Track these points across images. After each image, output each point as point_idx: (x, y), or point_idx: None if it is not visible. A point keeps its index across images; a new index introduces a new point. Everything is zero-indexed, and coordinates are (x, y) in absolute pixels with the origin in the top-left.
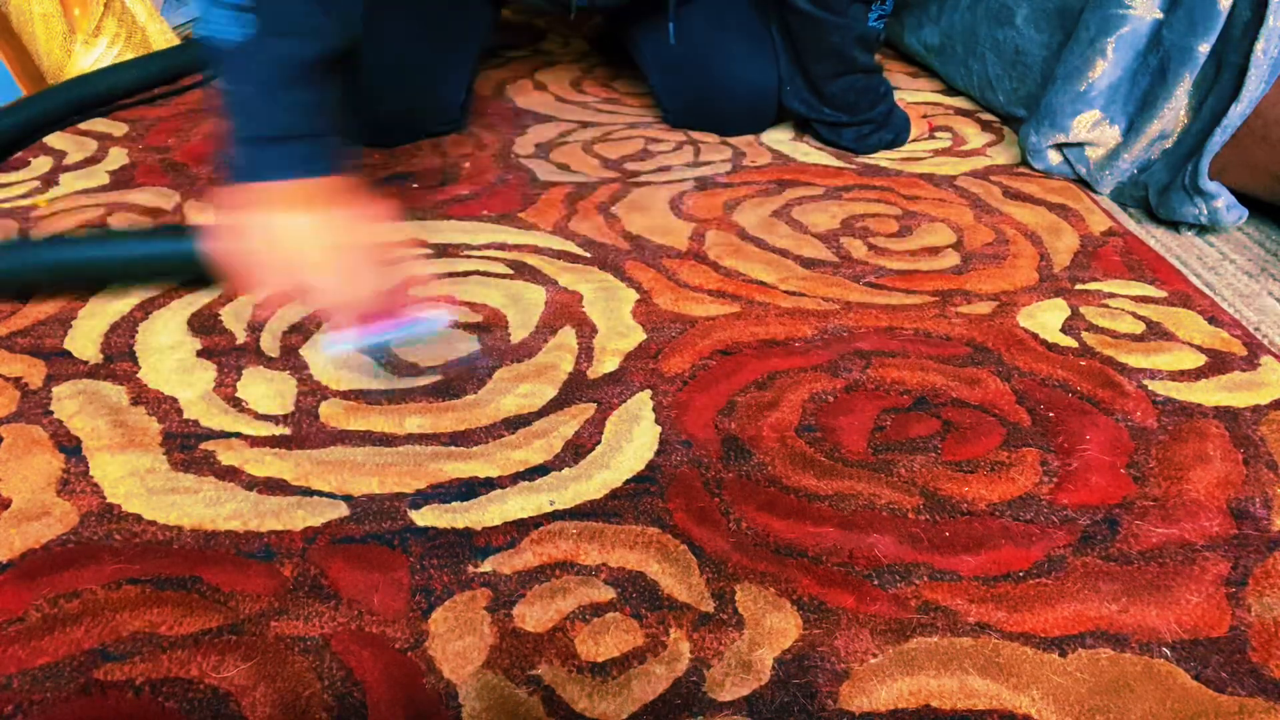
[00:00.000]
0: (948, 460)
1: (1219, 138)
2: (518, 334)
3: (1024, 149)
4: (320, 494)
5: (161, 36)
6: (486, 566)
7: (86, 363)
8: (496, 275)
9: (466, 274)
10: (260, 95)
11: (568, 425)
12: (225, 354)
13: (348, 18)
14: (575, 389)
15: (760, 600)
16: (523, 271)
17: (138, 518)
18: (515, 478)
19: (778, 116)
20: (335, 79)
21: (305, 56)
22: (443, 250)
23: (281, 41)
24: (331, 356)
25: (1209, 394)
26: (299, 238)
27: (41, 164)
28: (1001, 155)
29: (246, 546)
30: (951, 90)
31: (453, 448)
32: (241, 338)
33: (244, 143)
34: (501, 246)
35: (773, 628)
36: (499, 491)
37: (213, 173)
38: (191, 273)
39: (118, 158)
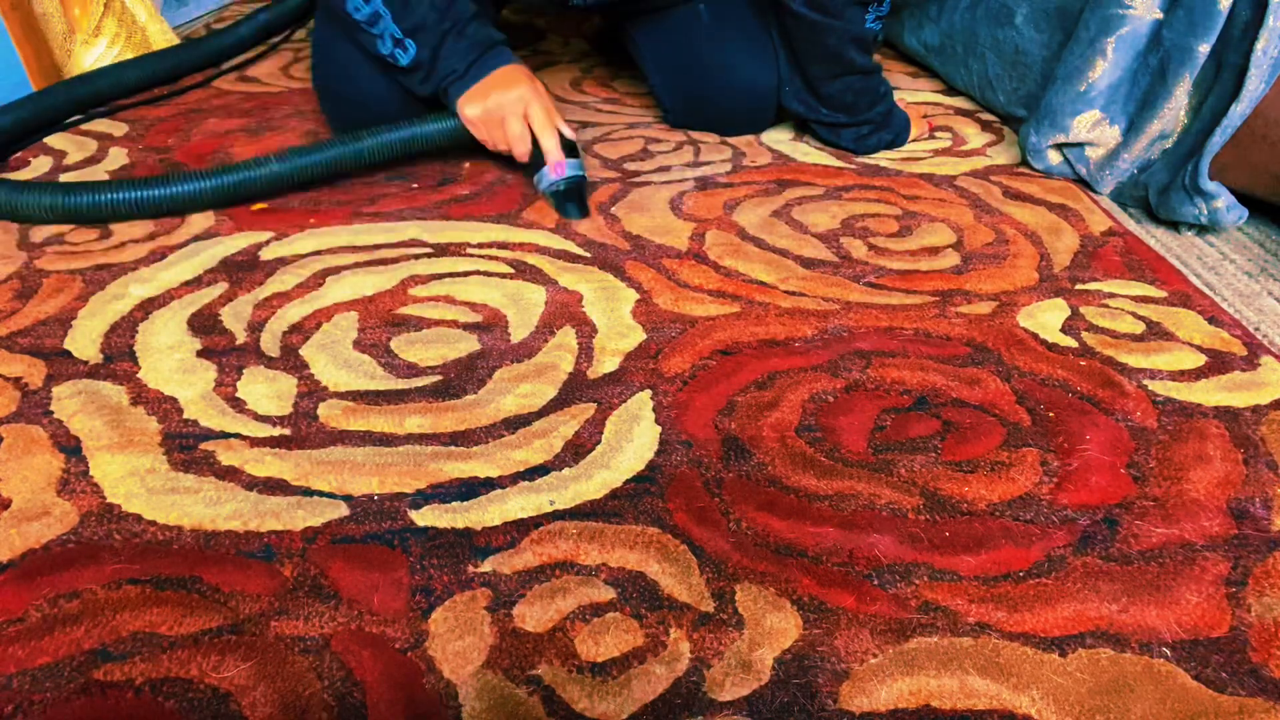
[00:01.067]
0: (948, 460)
1: (1219, 138)
2: (518, 334)
3: (1024, 149)
4: (320, 494)
5: (162, 36)
6: (486, 566)
7: (86, 363)
8: (497, 275)
9: (466, 274)
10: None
11: (568, 425)
12: (225, 354)
13: None
14: (575, 389)
15: (760, 600)
16: (523, 271)
17: (138, 518)
18: (515, 478)
19: (777, 117)
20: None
21: None
22: (443, 250)
23: None
24: (547, 189)
25: (1209, 394)
26: (519, 100)
27: (41, 164)
28: (1001, 155)
29: (246, 546)
30: (951, 90)
31: (453, 448)
32: (241, 338)
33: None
34: (502, 246)
35: (773, 628)
36: (499, 491)
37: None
38: (456, 141)
39: (118, 158)
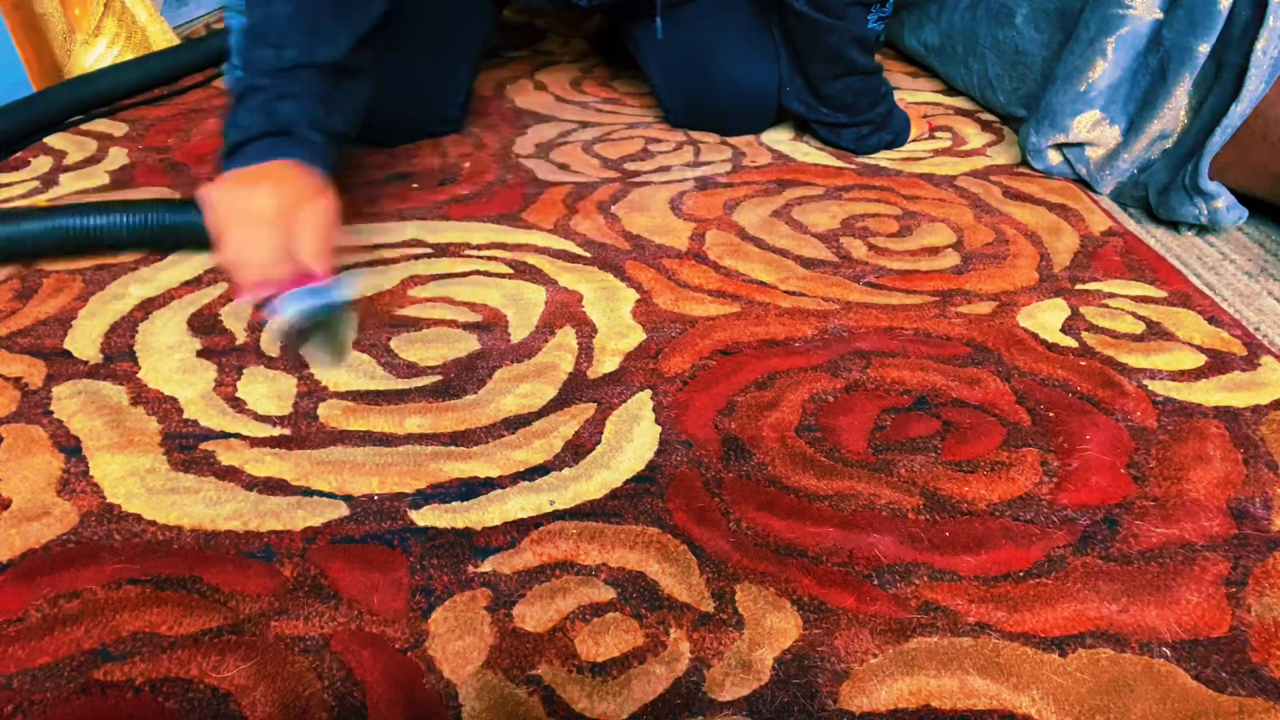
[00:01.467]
0: (948, 460)
1: (1219, 138)
2: (518, 334)
3: (1024, 149)
4: (320, 494)
5: (162, 36)
6: (486, 566)
7: (86, 363)
8: (496, 275)
9: (466, 274)
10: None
11: (568, 425)
12: (225, 354)
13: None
14: (575, 389)
15: (760, 600)
16: (523, 271)
17: (138, 518)
18: (515, 478)
19: (778, 117)
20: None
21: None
22: (443, 250)
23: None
24: (275, 325)
25: (1209, 394)
26: (245, 205)
27: (41, 164)
28: (1001, 155)
29: (246, 546)
30: (951, 90)
31: (453, 448)
32: (241, 338)
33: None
34: (501, 246)
35: (773, 628)
36: (499, 491)
37: (213, 172)
38: (197, 242)
39: (118, 158)
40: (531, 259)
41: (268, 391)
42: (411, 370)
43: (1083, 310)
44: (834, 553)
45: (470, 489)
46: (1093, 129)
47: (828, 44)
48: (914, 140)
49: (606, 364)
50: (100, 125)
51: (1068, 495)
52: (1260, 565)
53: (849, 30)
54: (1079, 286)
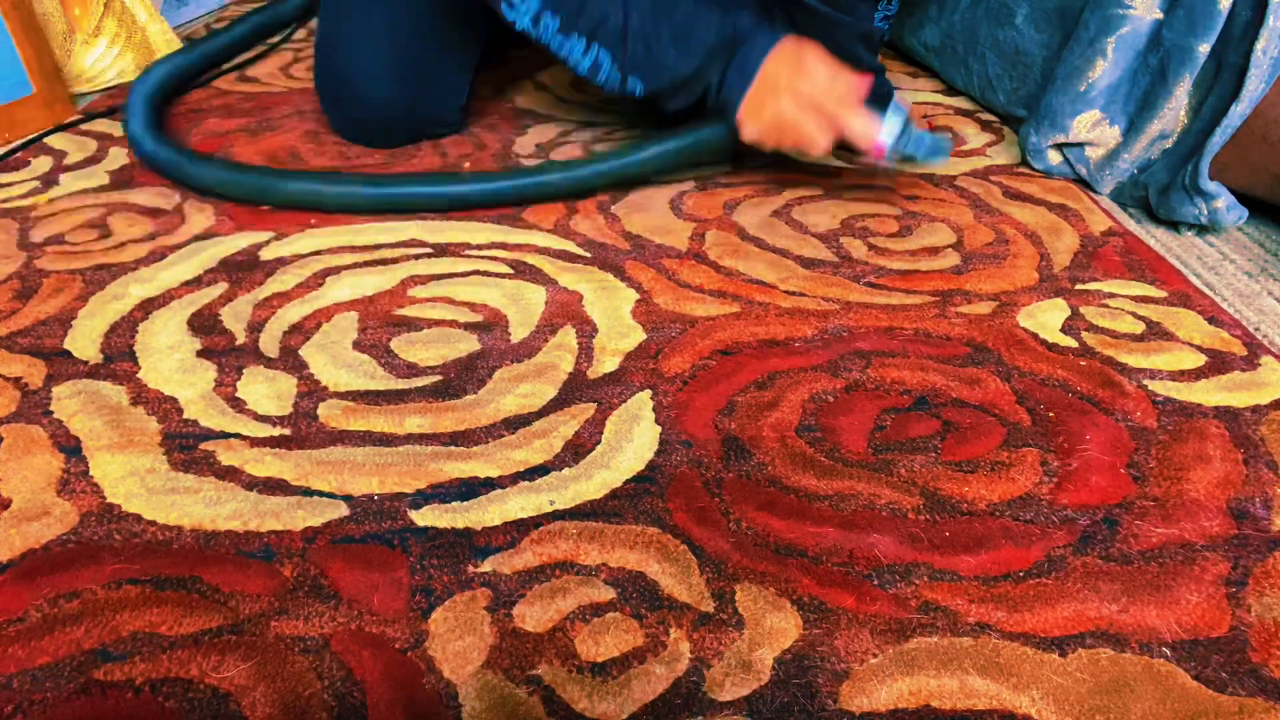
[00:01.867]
0: (948, 460)
1: (1219, 138)
2: (518, 333)
3: (1024, 149)
4: (320, 494)
5: (162, 36)
6: (486, 566)
7: (86, 363)
8: (496, 275)
9: (466, 274)
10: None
11: (568, 425)
12: (225, 354)
13: None
14: (575, 389)
15: (760, 600)
16: (523, 271)
17: (138, 518)
18: (515, 477)
19: None
20: None
21: None
22: (443, 250)
23: None
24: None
25: (1209, 394)
26: (821, 84)
27: (41, 164)
28: (1001, 155)
29: (246, 546)
30: (951, 90)
31: (453, 448)
32: (241, 338)
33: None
34: (502, 246)
35: (773, 628)
36: (499, 491)
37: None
38: (720, 153)
39: (118, 157)
40: (532, 259)
41: (268, 391)
42: (411, 370)
43: (1083, 310)
44: (834, 553)
45: (470, 489)
46: (1093, 129)
47: (834, 39)
48: None
49: (606, 364)
50: (100, 125)
51: (1068, 495)
52: (1260, 565)
53: (856, 25)
54: (1079, 286)
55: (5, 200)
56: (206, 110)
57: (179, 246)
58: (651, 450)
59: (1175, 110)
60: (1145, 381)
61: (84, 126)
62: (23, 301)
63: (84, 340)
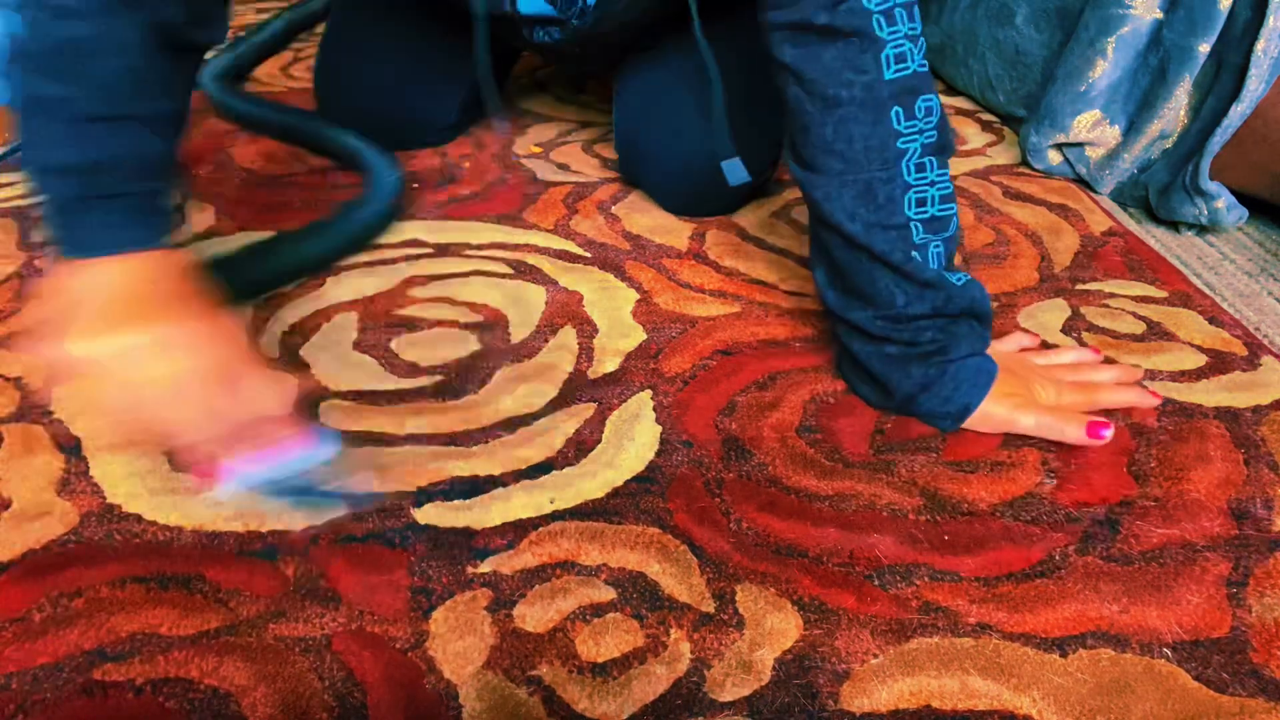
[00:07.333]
0: (948, 460)
1: (1219, 138)
2: (518, 334)
3: (1024, 149)
4: (321, 494)
5: None
6: (487, 567)
7: None
8: (497, 275)
9: (467, 274)
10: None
11: (568, 425)
12: None
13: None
14: (576, 389)
15: (761, 600)
16: (523, 271)
17: (138, 518)
18: (516, 476)
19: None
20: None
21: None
22: (443, 250)
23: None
24: (230, 497)
25: (1209, 394)
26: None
27: None
28: (1001, 155)
29: (247, 546)
30: (951, 90)
31: (453, 447)
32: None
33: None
34: (502, 246)
35: (773, 628)
36: (500, 490)
37: (211, 171)
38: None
39: None
40: (532, 259)
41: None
42: (412, 370)
43: (1083, 310)
44: (834, 553)
45: (471, 488)
46: (1093, 129)
47: None
48: None
49: (607, 364)
50: None
51: (1068, 495)
52: (1261, 565)
53: None
54: (1079, 286)
55: (5, 200)
56: (207, 110)
57: (180, 246)
58: (652, 450)
59: (1175, 110)
60: (1146, 382)
61: None
62: (23, 301)
63: None
